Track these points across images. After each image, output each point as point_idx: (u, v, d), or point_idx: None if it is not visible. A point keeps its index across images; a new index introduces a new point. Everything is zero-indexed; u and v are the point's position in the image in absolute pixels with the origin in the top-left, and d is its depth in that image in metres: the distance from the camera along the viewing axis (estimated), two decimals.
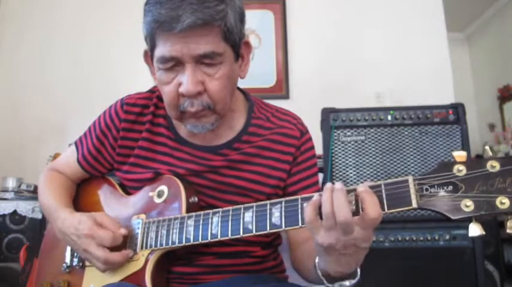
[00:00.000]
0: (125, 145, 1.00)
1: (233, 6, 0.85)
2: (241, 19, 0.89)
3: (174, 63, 0.84)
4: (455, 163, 0.64)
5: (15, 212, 2.22)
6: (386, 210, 0.66)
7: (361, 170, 1.79)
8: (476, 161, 0.63)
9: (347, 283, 0.73)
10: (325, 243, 0.67)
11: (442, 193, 0.63)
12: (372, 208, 0.64)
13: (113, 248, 0.88)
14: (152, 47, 0.86)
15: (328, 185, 0.68)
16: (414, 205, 0.64)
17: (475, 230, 0.61)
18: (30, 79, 2.85)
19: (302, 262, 0.91)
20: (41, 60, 2.87)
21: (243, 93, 1.05)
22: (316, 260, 0.75)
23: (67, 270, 0.99)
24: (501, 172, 0.61)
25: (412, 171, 1.77)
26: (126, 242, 0.90)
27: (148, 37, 0.86)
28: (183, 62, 0.83)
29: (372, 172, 1.78)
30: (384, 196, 0.66)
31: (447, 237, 1.68)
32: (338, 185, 0.67)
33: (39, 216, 2.16)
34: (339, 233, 0.66)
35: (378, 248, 1.67)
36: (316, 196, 0.69)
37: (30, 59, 2.87)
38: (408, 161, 1.78)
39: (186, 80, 0.83)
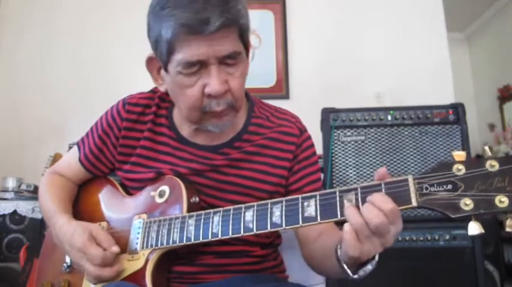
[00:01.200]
0: (127, 144, 1.00)
1: (244, 6, 0.87)
2: (248, 17, 0.90)
3: (199, 67, 0.84)
4: (454, 162, 0.65)
5: (15, 212, 2.22)
6: None
7: (361, 170, 1.79)
8: (475, 161, 0.64)
9: (369, 266, 0.72)
10: (373, 253, 0.69)
11: (441, 191, 0.64)
12: (387, 203, 0.65)
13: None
14: (170, 52, 0.84)
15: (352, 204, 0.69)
16: (414, 203, 0.65)
17: (474, 228, 0.62)
18: (30, 79, 2.85)
19: (318, 258, 0.91)
20: (41, 60, 2.87)
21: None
22: (339, 253, 0.74)
23: (67, 270, 0.99)
24: (500, 171, 0.62)
25: (412, 171, 1.77)
26: (127, 241, 0.91)
27: (166, 43, 0.83)
28: (207, 64, 0.83)
29: (372, 172, 1.78)
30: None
31: (447, 237, 1.68)
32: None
33: (39, 216, 2.16)
34: (377, 237, 0.67)
35: None
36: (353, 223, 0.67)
37: (30, 59, 2.87)
38: (408, 161, 1.78)
39: (214, 81, 0.84)
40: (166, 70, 0.88)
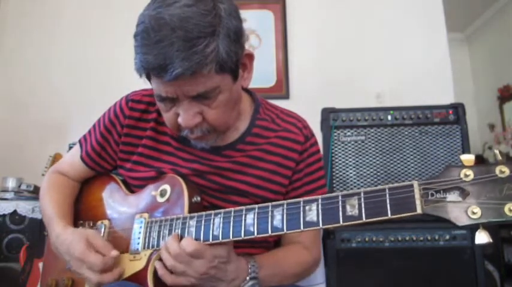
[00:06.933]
0: (129, 141, 1.00)
1: (225, 34, 0.79)
2: (237, 39, 0.83)
3: (171, 99, 0.83)
4: (462, 167, 0.61)
5: (15, 212, 2.21)
6: (389, 215, 0.64)
7: (361, 170, 1.79)
8: (484, 166, 0.60)
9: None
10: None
11: (448, 198, 0.61)
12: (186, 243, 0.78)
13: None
14: (147, 77, 0.84)
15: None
16: (419, 210, 0.62)
17: (482, 237, 0.59)
18: (30, 79, 2.85)
19: None
20: (41, 60, 2.87)
21: (249, 93, 1.05)
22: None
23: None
24: (510, 177, 0.58)
25: (412, 171, 1.77)
26: (129, 241, 0.91)
27: (140, 71, 0.82)
28: (178, 99, 0.82)
29: (372, 172, 1.78)
30: (387, 200, 0.64)
31: (447, 237, 1.68)
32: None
33: (39, 216, 2.15)
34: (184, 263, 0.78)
35: (378, 248, 1.66)
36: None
37: (31, 58, 2.87)
38: (408, 161, 1.78)
39: (183, 116, 0.83)
40: None
